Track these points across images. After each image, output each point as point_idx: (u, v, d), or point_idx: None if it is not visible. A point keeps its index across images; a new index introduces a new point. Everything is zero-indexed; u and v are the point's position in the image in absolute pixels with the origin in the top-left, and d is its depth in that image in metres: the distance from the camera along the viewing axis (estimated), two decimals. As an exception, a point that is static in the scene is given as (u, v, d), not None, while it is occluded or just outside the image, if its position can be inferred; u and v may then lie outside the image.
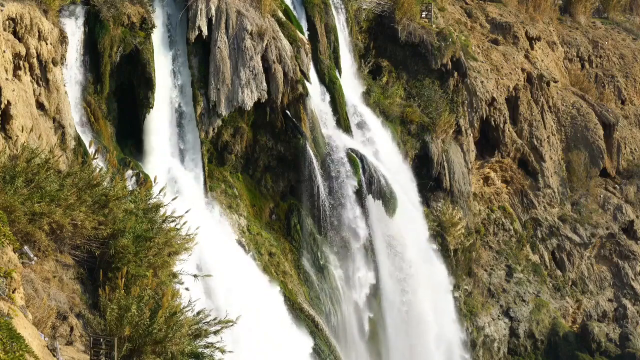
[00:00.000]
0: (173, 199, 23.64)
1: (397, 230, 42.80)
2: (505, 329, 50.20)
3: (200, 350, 19.72)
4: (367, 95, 46.62)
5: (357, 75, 46.95)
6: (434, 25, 50.24)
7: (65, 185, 20.33)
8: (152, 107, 34.91)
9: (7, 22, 27.90)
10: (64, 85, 31.05)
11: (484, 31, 57.14)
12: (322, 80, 42.56)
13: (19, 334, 14.53)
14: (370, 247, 41.61)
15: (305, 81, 39.68)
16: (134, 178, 31.71)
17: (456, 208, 47.93)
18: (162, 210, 22.50)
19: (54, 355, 16.49)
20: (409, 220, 43.82)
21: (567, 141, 57.56)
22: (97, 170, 22.21)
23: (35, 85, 29.20)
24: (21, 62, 28.33)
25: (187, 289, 22.10)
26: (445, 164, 47.41)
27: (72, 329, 18.62)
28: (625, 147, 60.10)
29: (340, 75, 43.69)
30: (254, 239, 37.98)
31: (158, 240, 20.85)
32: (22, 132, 26.43)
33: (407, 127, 46.88)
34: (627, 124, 61.99)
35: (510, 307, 50.65)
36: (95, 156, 23.59)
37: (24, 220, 18.94)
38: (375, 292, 42.01)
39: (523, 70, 55.14)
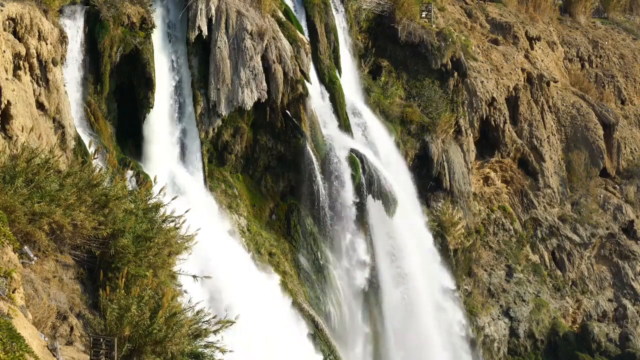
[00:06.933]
0: (173, 199, 23.63)
1: (397, 230, 42.80)
2: (505, 329, 50.20)
3: (200, 350, 19.73)
4: (367, 95, 46.62)
5: (357, 75, 46.94)
6: (434, 25, 50.24)
7: (65, 185, 20.31)
8: (152, 107, 34.91)
9: (7, 22, 27.90)
10: (64, 85, 31.04)
11: (484, 31, 57.13)
12: (322, 80, 42.56)
13: (19, 334, 14.53)
14: (370, 247, 41.61)
15: (305, 81, 39.69)
16: (134, 178, 31.70)
17: (456, 208, 47.94)
18: (162, 210, 22.49)
19: (54, 355, 16.49)
20: (409, 220, 43.81)
21: (567, 141, 57.57)
22: (97, 170, 22.20)
23: (35, 85, 29.19)
24: (21, 62, 28.32)
25: (186, 291, 22.12)
26: (445, 164, 47.41)
27: (72, 329, 18.62)
28: (625, 147, 60.10)
29: (340, 75, 43.69)
30: (254, 238, 37.99)
31: (158, 240, 20.83)
32: (22, 132, 26.43)
33: (407, 127, 46.88)
34: (627, 124, 61.99)
35: (510, 307, 50.65)
36: (95, 156, 23.59)
37: (24, 220, 18.92)
38: (375, 291, 42.00)
39: (523, 70, 55.14)
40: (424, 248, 44.98)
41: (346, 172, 40.37)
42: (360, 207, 40.80)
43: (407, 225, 43.46)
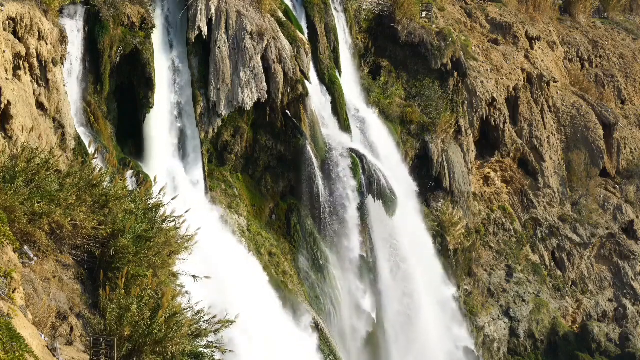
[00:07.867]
0: (173, 199, 23.63)
1: (397, 230, 42.80)
2: (505, 329, 50.19)
3: (200, 350, 19.73)
4: (367, 95, 46.63)
5: (357, 75, 46.95)
6: (434, 25, 50.24)
7: (65, 185, 20.31)
8: (152, 107, 34.91)
9: (7, 22, 27.91)
10: (64, 85, 31.05)
11: (484, 31, 57.12)
12: (322, 80, 42.55)
13: (19, 334, 14.53)
14: (370, 247, 41.61)
15: (305, 81, 39.69)
16: (134, 178, 31.71)
17: (456, 208, 47.93)
18: (162, 210, 22.50)
19: (54, 355, 16.49)
20: (409, 220, 43.80)
21: (567, 141, 57.56)
22: (97, 170, 22.20)
23: (35, 85, 29.20)
24: (21, 62, 28.33)
25: (187, 292, 22.12)
26: (445, 164, 47.41)
27: (72, 329, 18.62)
28: (625, 147, 60.09)
29: (340, 75, 43.68)
30: (254, 238, 37.99)
31: (158, 240, 20.83)
32: (22, 132, 26.44)
33: (407, 127, 46.87)
34: (627, 124, 61.98)
35: (510, 307, 50.64)
36: (95, 156, 23.59)
37: (24, 220, 18.92)
38: (375, 291, 41.99)
39: (523, 70, 55.12)
40: (424, 248, 44.96)
41: (346, 172, 40.35)
42: (360, 207, 40.76)
43: (407, 225, 43.40)
